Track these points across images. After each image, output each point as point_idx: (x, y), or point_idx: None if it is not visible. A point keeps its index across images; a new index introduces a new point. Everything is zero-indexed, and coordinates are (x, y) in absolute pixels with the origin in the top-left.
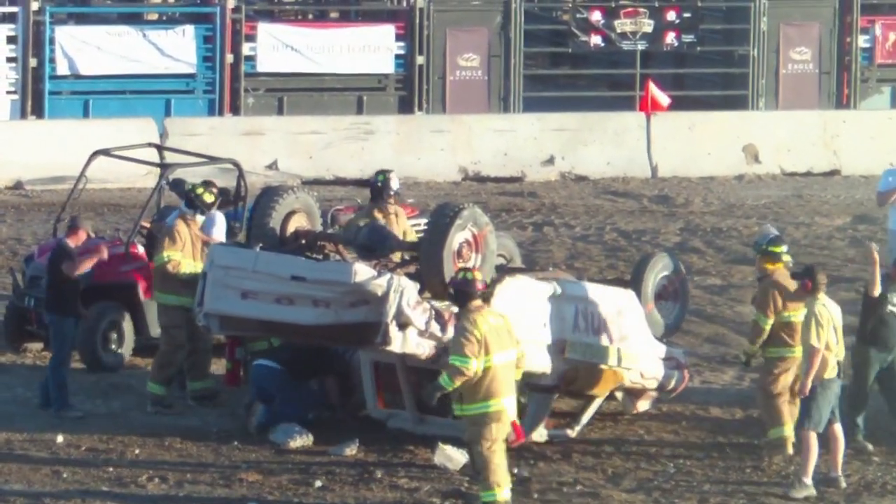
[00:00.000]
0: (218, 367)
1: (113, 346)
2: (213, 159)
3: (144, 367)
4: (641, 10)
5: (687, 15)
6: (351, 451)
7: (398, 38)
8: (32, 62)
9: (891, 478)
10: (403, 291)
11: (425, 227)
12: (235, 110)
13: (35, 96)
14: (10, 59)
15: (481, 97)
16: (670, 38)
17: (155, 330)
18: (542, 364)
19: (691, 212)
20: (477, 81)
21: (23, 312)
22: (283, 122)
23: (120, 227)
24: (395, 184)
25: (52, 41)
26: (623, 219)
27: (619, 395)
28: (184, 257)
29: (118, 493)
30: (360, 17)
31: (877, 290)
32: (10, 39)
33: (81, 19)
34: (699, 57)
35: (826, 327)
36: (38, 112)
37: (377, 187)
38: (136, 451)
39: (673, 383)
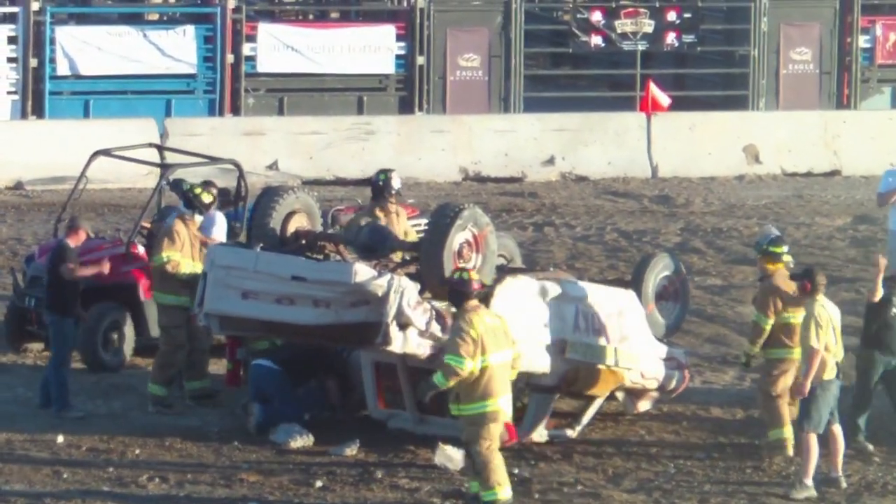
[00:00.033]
0: (218, 367)
1: (113, 347)
2: (213, 160)
3: (145, 368)
4: (642, 10)
5: (687, 15)
6: (351, 451)
7: (399, 38)
8: (33, 62)
9: (891, 478)
10: (404, 292)
11: (426, 228)
12: (236, 110)
13: (35, 96)
14: (10, 60)
15: (482, 97)
16: (671, 38)
17: (156, 330)
18: (542, 364)
19: (692, 212)
20: (477, 82)
21: (23, 313)
22: (284, 123)
23: (120, 227)
24: (396, 183)
25: (52, 41)
26: (623, 219)
27: (619, 395)
28: (183, 257)
29: (119, 493)
30: (361, 17)
31: (877, 297)
32: (11, 40)
33: (82, 19)
34: (700, 57)
35: (825, 328)
36: (39, 112)
37: (378, 186)
38: (137, 452)
39: (674, 384)
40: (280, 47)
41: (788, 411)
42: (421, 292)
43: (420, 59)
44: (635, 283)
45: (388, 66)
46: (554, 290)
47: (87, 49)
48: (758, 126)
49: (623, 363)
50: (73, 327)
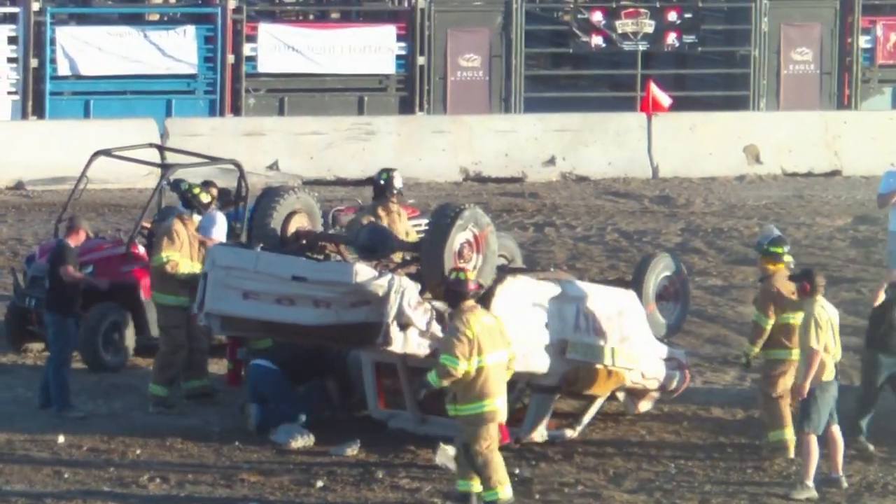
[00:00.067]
0: (219, 367)
1: (114, 347)
2: (214, 160)
3: (146, 368)
4: (642, 10)
5: (688, 15)
6: (352, 451)
7: (399, 38)
8: (33, 63)
9: (892, 478)
10: (404, 292)
11: (426, 228)
12: (236, 111)
13: (36, 97)
14: (10, 60)
15: (482, 98)
16: (671, 38)
17: (156, 330)
18: (542, 364)
19: (692, 212)
20: (478, 82)
21: (24, 313)
22: (284, 123)
23: (121, 227)
24: (398, 182)
25: (53, 42)
26: (624, 219)
27: (620, 395)
28: (182, 257)
29: (119, 493)
30: (361, 17)
31: (878, 302)
32: (11, 40)
33: (82, 20)
34: (700, 57)
35: (825, 330)
36: (39, 112)
37: (381, 185)
38: (138, 452)
39: (674, 384)
40: (281, 47)
41: (790, 412)
42: (421, 292)
43: (421, 60)
44: (636, 284)
45: (388, 67)
46: (555, 290)
47: (87, 49)
48: (758, 126)
49: (624, 363)
50: (74, 327)
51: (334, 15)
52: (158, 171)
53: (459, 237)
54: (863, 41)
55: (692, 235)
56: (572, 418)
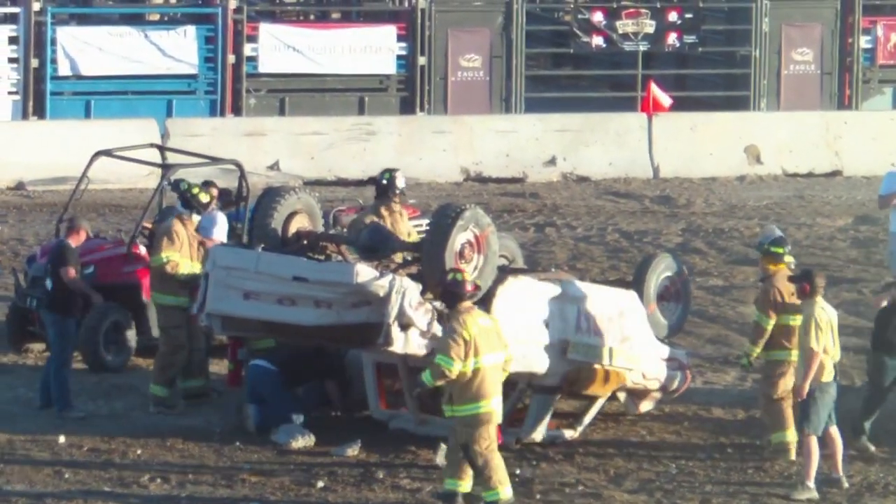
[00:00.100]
0: (219, 367)
1: (115, 347)
2: (214, 160)
3: (146, 368)
4: (643, 10)
5: (689, 16)
6: (353, 451)
7: (400, 38)
8: (34, 63)
9: (893, 479)
10: (405, 292)
11: (427, 228)
12: (237, 111)
13: (37, 97)
14: (11, 60)
15: (483, 98)
16: (672, 38)
17: (157, 330)
18: (543, 365)
19: (693, 212)
20: (478, 82)
21: (25, 313)
22: (285, 123)
23: (122, 227)
24: (401, 182)
25: (53, 42)
26: (625, 219)
27: (621, 395)
28: (182, 258)
29: (120, 493)
30: (362, 17)
31: (878, 306)
32: (12, 40)
33: (83, 20)
34: (701, 58)
35: (825, 331)
36: (40, 113)
37: (383, 185)
38: (139, 452)
39: (675, 384)
40: (281, 48)
41: (792, 414)
42: (422, 293)
43: (421, 60)
44: (637, 284)
45: (389, 67)
46: (555, 290)
47: (88, 49)
48: (759, 126)
49: (624, 364)
50: (75, 328)
51: (335, 15)
52: (159, 171)
53: (460, 237)
54: (863, 41)
55: (693, 236)
56: (573, 418)
